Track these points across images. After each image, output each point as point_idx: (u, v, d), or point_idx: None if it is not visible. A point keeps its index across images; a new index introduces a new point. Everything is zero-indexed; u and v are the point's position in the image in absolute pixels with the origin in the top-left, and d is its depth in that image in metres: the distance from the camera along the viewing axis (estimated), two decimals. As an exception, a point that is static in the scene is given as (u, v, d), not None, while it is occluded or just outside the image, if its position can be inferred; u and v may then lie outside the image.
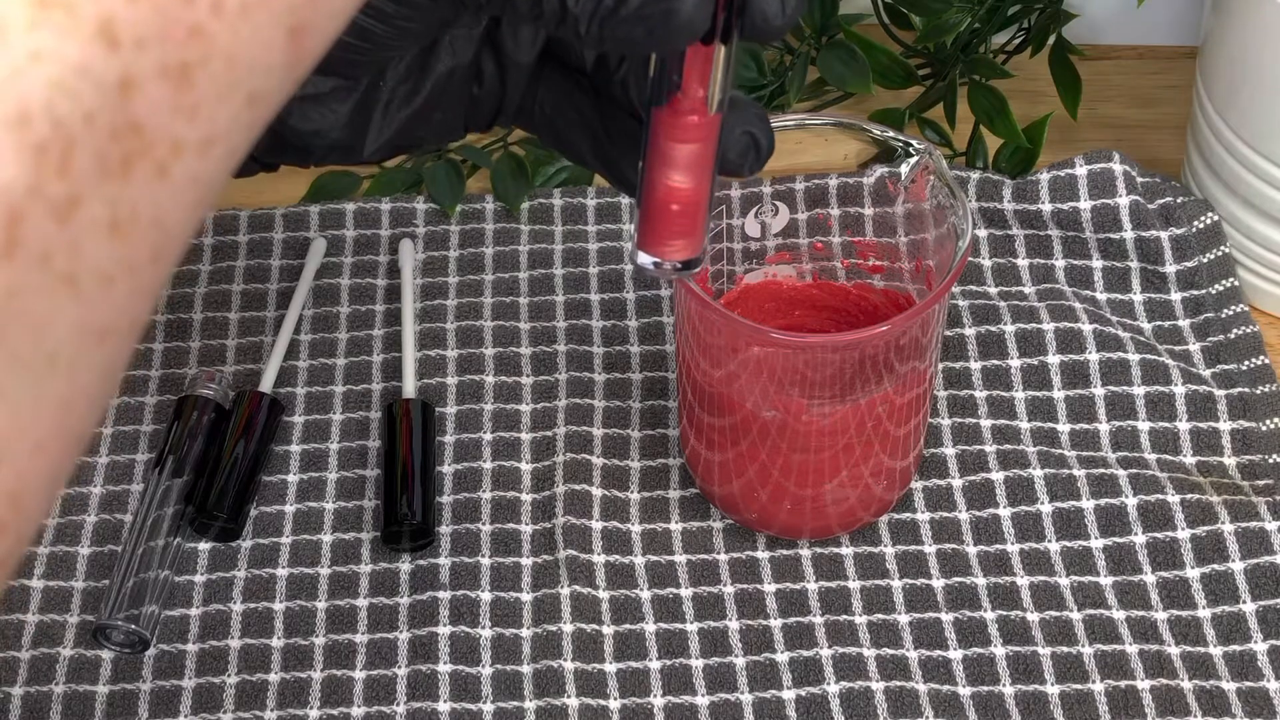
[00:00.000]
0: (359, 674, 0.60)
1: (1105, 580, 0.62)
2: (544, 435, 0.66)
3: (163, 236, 0.27)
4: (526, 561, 0.63)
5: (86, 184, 0.25)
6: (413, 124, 0.46)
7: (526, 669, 0.60)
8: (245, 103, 0.28)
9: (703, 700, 0.59)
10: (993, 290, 0.71)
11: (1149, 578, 0.62)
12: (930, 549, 0.63)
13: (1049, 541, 0.63)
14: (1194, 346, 0.69)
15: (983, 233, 0.73)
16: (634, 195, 0.45)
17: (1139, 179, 0.71)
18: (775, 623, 0.61)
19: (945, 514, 0.64)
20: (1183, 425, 0.66)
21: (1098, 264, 0.71)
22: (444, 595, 0.62)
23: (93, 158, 0.25)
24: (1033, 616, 0.61)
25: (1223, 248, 0.71)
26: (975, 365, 0.68)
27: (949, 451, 0.65)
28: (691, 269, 0.45)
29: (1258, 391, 0.67)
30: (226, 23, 0.27)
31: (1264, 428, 0.66)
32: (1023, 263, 0.72)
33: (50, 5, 0.24)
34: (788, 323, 0.64)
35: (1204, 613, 0.61)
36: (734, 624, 0.61)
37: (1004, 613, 0.61)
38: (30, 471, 0.26)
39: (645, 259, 0.45)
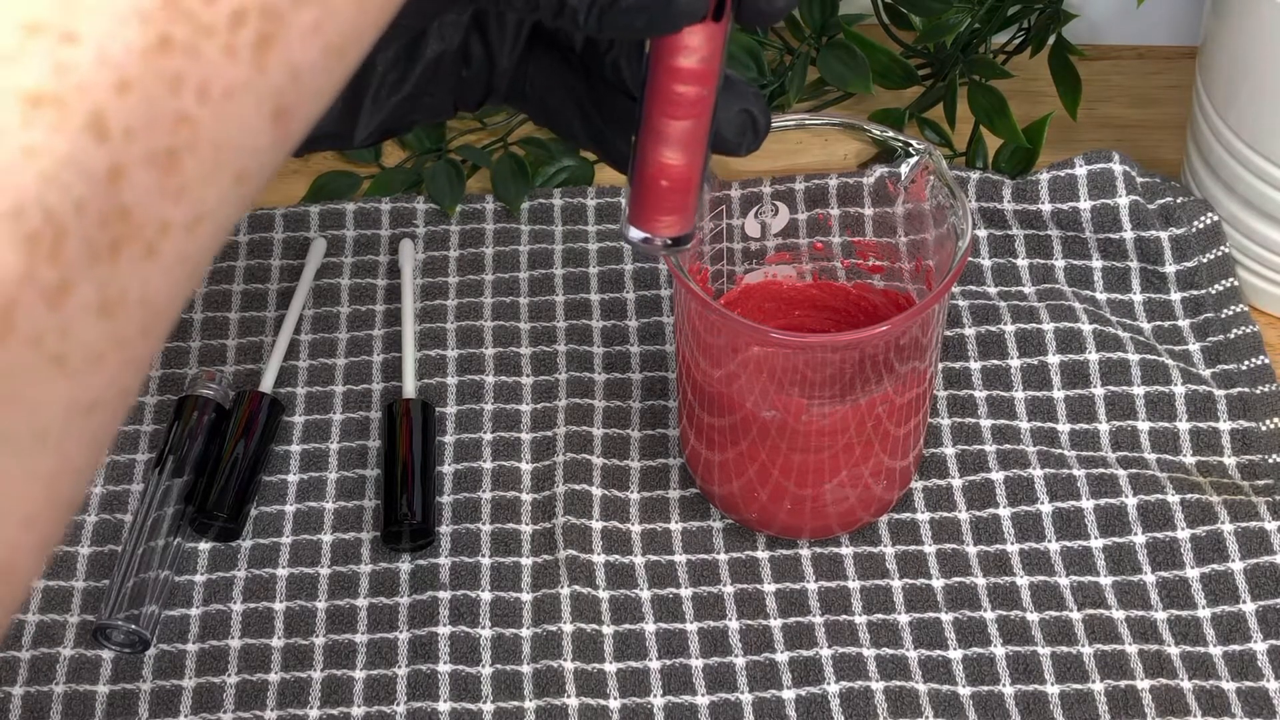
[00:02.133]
0: (359, 674, 0.60)
1: (1105, 580, 0.62)
2: (544, 435, 0.66)
3: (151, 313, 0.28)
4: (526, 561, 0.63)
5: (76, 269, 0.26)
6: (403, 108, 0.46)
7: (526, 669, 0.60)
8: (233, 182, 0.28)
9: (703, 700, 0.59)
10: (993, 290, 0.71)
11: (1149, 578, 0.62)
12: (930, 549, 0.63)
13: (1049, 541, 0.63)
14: (1194, 346, 0.69)
15: (983, 233, 0.73)
16: (626, 171, 0.45)
17: (1139, 179, 0.71)
18: (775, 623, 0.61)
19: (945, 514, 0.64)
20: (1183, 425, 0.66)
21: (1098, 264, 0.71)
22: (444, 595, 0.62)
23: (82, 244, 0.26)
24: (1033, 616, 0.61)
25: (1223, 248, 0.71)
26: (975, 365, 0.68)
27: (949, 451, 0.65)
28: (682, 245, 0.45)
29: (1258, 391, 0.67)
30: (211, 109, 0.27)
31: (1264, 428, 0.66)
32: (1023, 263, 0.72)
33: (42, 103, 0.25)
34: (788, 323, 0.64)
35: (1204, 613, 0.61)
36: (734, 624, 0.61)
37: (1004, 613, 0.61)
38: (21, 545, 0.27)
39: (636, 234, 0.44)
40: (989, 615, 0.61)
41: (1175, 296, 0.70)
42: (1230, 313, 0.69)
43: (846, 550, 0.63)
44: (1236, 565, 0.61)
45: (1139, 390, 0.66)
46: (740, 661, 0.60)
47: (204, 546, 0.64)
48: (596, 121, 0.46)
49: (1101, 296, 0.71)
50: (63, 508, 0.28)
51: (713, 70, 0.41)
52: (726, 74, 0.43)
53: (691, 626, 0.61)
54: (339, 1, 0.29)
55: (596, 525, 0.63)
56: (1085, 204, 0.71)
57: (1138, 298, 0.71)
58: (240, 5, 0.27)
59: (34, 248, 0.25)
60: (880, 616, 0.61)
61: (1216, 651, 0.60)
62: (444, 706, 0.59)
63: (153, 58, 0.26)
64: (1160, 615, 0.61)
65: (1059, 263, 0.71)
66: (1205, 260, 0.71)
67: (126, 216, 0.26)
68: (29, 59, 0.25)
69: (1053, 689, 0.59)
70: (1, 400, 0.25)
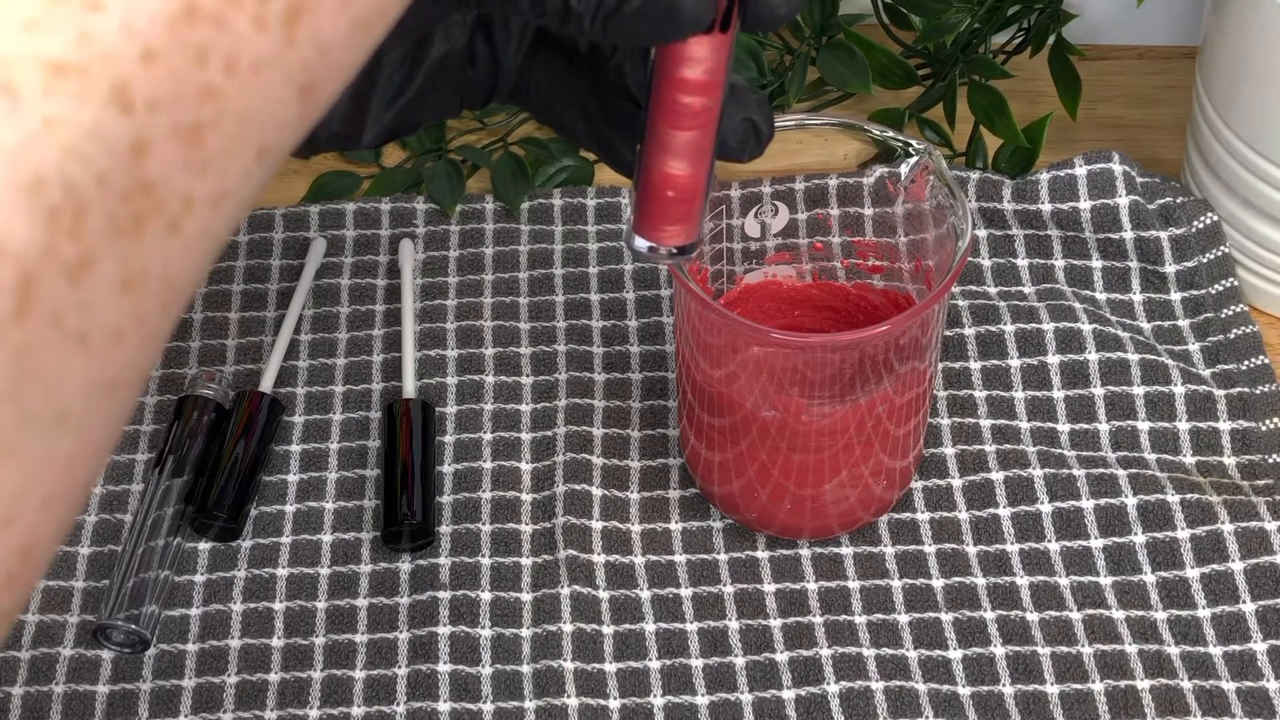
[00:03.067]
0: (359, 674, 0.60)
1: (1105, 580, 0.62)
2: (544, 435, 0.66)
3: (172, 289, 0.27)
4: (526, 561, 0.63)
5: (98, 244, 0.25)
6: (409, 109, 0.46)
7: (526, 669, 0.60)
8: (256, 157, 0.28)
9: (703, 700, 0.59)
10: (993, 290, 0.71)
11: (1149, 578, 0.62)
12: (930, 549, 0.63)
13: (1049, 541, 0.63)
14: (1194, 346, 0.69)
15: (983, 233, 0.73)
16: (630, 176, 0.45)
17: (1139, 179, 0.71)
18: (775, 623, 0.61)
19: (945, 514, 0.64)
20: (1182, 425, 0.66)
21: (1097, 264, 0.71)
22: (444, 595, 0.62)
23: (105, 219, 0.25)
24: (1033, 616, 0.61)
25: (1223, 248, 0.71)
26: (975, 365, 0.68)
27: (949, 451, 0.65)
28: (686, 254, 0.45)
29: (1257, 391, 0.67)
30: (239, 83, 0.27)
31: (1264, 428, 0.66)
32: (1022, 263, 0.72)
33: (65, 71, 0.25)
34: (788, 323, 0.64)
35: (1204, 613, 0.61)
36: (734, 624, 0.61)
37: (1004, 613, 0.61)
38: (40, 525, 0.27)
39: (641, 243, 0.45)
40: (989, 615, 0.61)
41: (1175, 296, 0.70)
42: (1230, 313, 0.69)
43: (846, 550, 0.63)
44: (1236, 565, 0.61)
45: (1139, 390, 0.66)
46: (740, 661, 0.60)
47: (204, 546, 0.64)
48: (600, 125, 0.46)
49: (1101, 296, 0.71)
50: (80, 488, 0.27)
51: (718, 81, 0.41)
52: (731, 82, 0.43)
53: (691, 626, 0.61)
54: None
55: (596, 525, 0.63)
56: (1085, 204, 0.71)
57: (1138, 298, 0.71)
58: None
59: (55, 222, 0.25)
60: (880, 616, 0.61)
61: (1216, 651, 0.60)
62: (444, 706, 0.59)
63: (179, 28, 0.26)
64: (1160, 615, 0.61)
65: (1059, 263, 0.71)
66: (1205, 260, 0.71)
67: (150, 191, 0.26)
68: (53, 26, 0.25)
69: (1053, 689, 0.59)
70: (22, 378, 0.25)
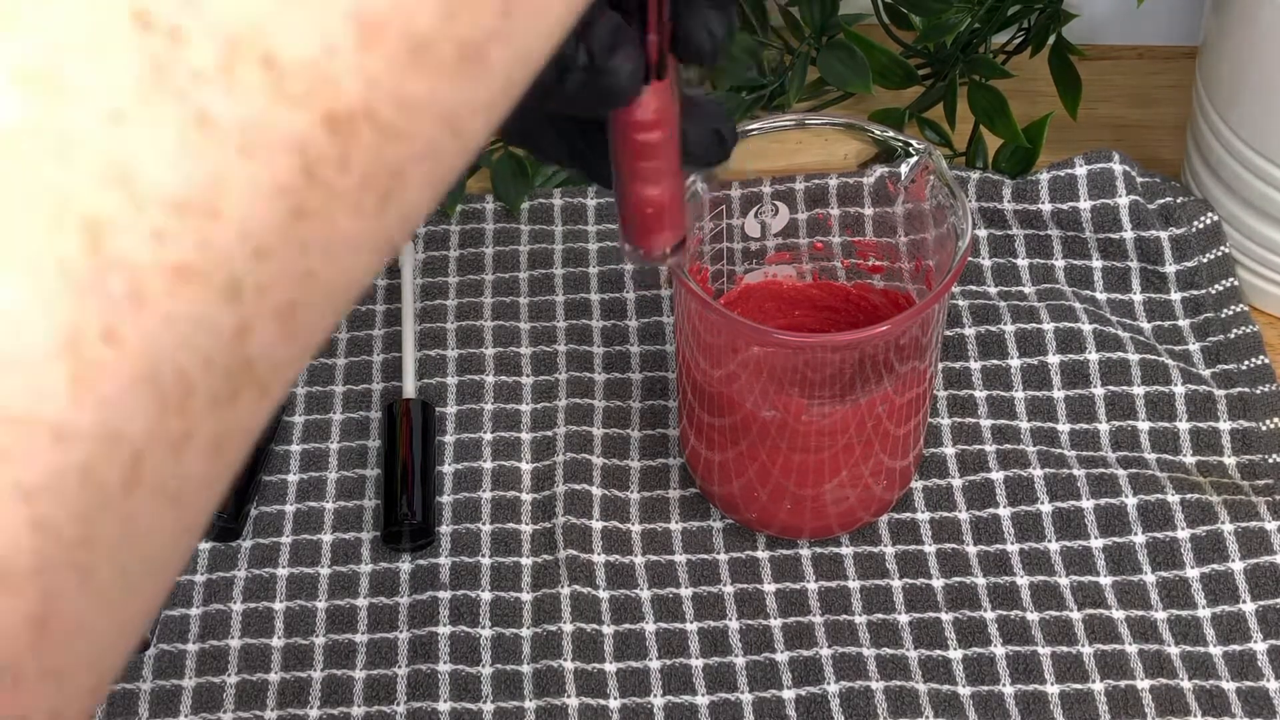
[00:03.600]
0: (359, 674, 0.60)
1: (1105, 580, 0.62)
2: (544, 435, 0.66)
3: (252, 437, 0.29)
4: (526, 561, 0.63)
5: (200, 418, 0.27)
6: None
7: (526, 669, 0.60)
8: (338, 314, 0.30)
9: (703, 700, 0.59)
10: (993, 290, 0.71)
11: (1149, 577, 0.62)
12: (930, 549, 0.63)
13: (1049, 541, 0.63)
14: (1194, 346, 0.69)
15: (983, 233, 0.73)
16: (612, 189, 0.47)
17: (1139, 179, 0.71)
18: (775, 622, 0.61)
19: (945, 514, 0.64)
20: (1183, 425, 0.66)
21: (1098, 264, 0.71)
22: (444, 595, 0.62)
23: (208, 396, 0.27)
24: (1033, 616, 0.61)
25: (1223, 248, 0.71)
26: (975, 365, 0.68)
27: (949, 451, 0.65)
28: (680, 251, 0.47)
29: (1257, 391, 0.67)
30: (335, 264, 0.28)
31: (1264, 428, 0.66)
32: (1022, 263, 0.72)
33: (186, 275, 0.26)
34: (788, 323, 0.64)
35: (1204, 612, 0.61)
36: (734, 624, 0.61)
37: (1004, 612, 0.61)
38: (115, 660, 0.28)
39: (634, 250, 0.47)
40: (989, 615, 0.61)
41: (1175, 296, 0.70)
42: (1230, 313, 0.70)
43: (846, 550, 0.63)
44: (1236, 565, 0.61)
45: (1139, 390, 0.66)
46: (740, 661, 0.60)
47: (204, 546, 0.64)
48: (578, 144, 0.48)
49: (1101, 296, 0.71)
50: (151, 612, 0.29)
51: (668, 115, 0.44)
52: (690, 95, 0.45)
53: (691, 626, 0.61)
54: (448, 151, 0.30)
55: (596, 525, 0.63)
56: (1085, 204, 0.71)
57: (1138, 298, 0.71)
58: (369, 169, 0.28)
59: (164, 405, 0.26)
60: (880, 616, 0.61)
61: (1216, 651, 0.60)
62: (444, 706, 0.59)
63: (288, 228, 0.27)
64: (1160, 615, 0.61)
65: (1059, 263, 0.71)
66: (1205, 260, 0.71)
67: (250, 367, 0.28)
68: (177, 237, 0.26)
69: (1053, 689, 0.59)
70: (123, 543, 0.27)
